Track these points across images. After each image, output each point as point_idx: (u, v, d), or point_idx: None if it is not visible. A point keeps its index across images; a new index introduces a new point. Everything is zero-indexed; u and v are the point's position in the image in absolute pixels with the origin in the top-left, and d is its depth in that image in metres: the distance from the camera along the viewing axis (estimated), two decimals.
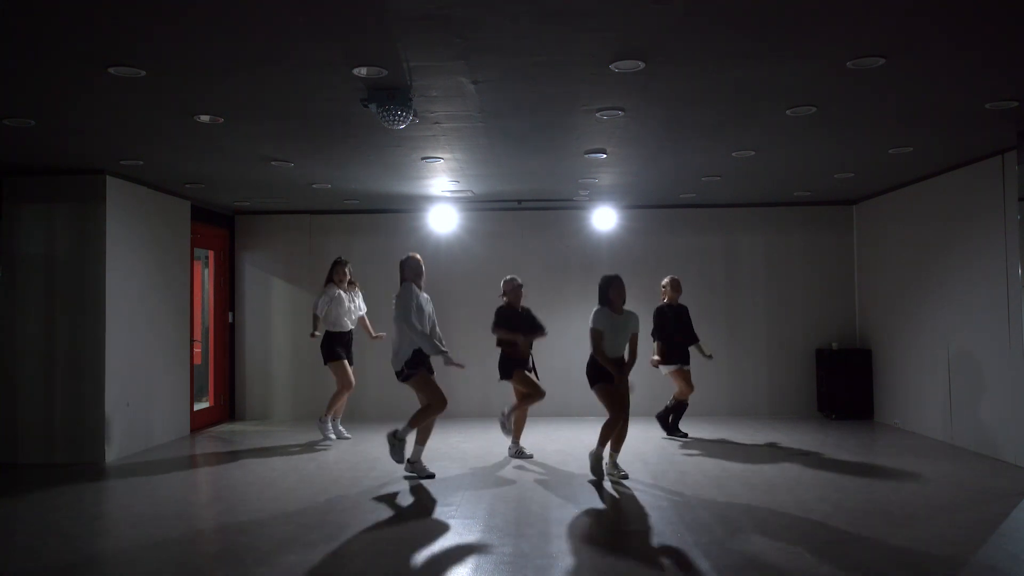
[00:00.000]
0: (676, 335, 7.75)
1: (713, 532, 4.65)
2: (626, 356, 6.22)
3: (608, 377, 6.06)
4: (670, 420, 8.01)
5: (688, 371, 7.80)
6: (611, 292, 6.14)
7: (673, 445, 7.60)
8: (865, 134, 6.07)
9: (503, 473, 6.44)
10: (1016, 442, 6.51)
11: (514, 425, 7.08)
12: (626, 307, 6.24)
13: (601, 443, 6.14)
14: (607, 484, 5.95)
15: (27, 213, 7.22)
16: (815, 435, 8.12)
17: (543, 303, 9.64)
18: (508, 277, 7.23)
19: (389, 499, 5.57)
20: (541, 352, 9.49)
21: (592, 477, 6.11)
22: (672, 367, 7.74)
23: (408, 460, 6.06)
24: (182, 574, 4.10)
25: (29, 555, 4.44)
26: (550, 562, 4.15)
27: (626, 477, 6.10)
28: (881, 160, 7.04)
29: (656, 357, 7.72)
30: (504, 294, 7.19)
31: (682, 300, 9.57)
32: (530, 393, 6.94)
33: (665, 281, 8.03)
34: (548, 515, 5.09)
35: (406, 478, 6.10)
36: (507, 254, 9.76)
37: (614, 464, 6.19)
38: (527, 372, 6.99)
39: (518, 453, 7.09)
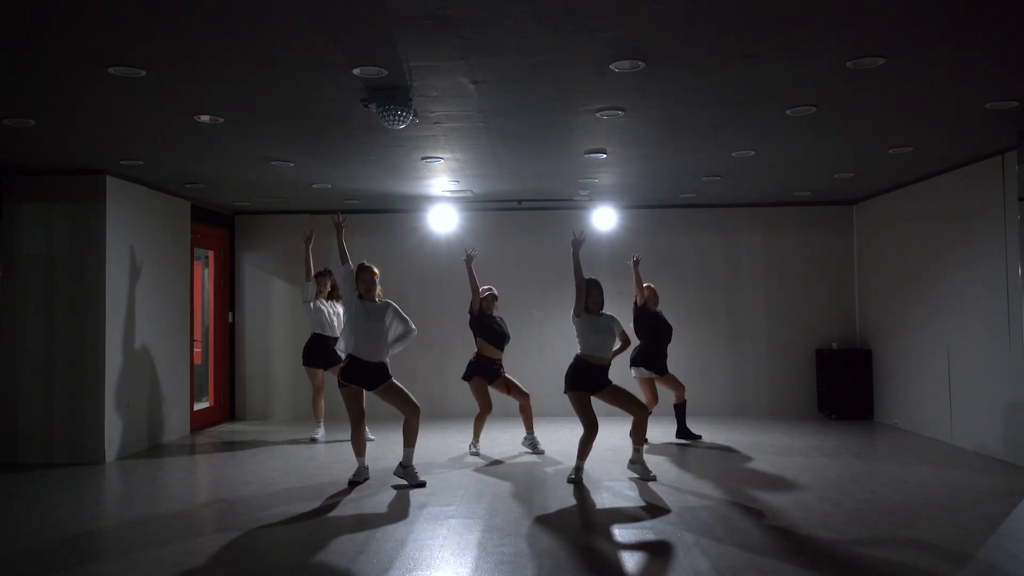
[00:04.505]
0: (662, 343, 7.62)
1: (713, 532, 4.65)
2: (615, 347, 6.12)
3: (581, 385, 5.94)
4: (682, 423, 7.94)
5: (653, 380, 7.64)
6: (589, 300, 6.03)
7: (671, 446, 7.60)
8: (865, 134, 6.07)
9: (503, 473, 6.44)
10: (1016, 442, 6.51)
11: (524, 418, 7.33)
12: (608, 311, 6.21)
13: (580, 457, 6.04)
14: (608, 484, 5.95)
15: (27, 213, 7.22)
16: (815, 435, 8.12)
17: (542, 303, 9.68)
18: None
19: (389, 500, 5.57)
20: (538, 352, 9.53)
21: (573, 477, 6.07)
22: (650, 374, 7.57)
23: (401, 464, 6.00)
24: (181, 574, 4.10)
25: (29, 555, 4.44)
26: (550, 562, 4.14)
27: (654, 479, 6.04)
28: (881, 160, 7.04)
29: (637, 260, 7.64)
30: None
31: (683, 300, 9.58)
32: (480, 405, 7.22)
33: (650, 285, 7.76)
34: (548, 515, 5.08)
35: (396, 487, 5.88)
36: (507, 254, 9.76)
37: (642, 463, 6.13)
38: (485, 380, 7.12)
39: (531, 444, 7.30)
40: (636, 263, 7.61)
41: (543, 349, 9.58)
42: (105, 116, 5.31)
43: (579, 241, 6.14)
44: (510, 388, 7.17)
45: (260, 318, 9.97)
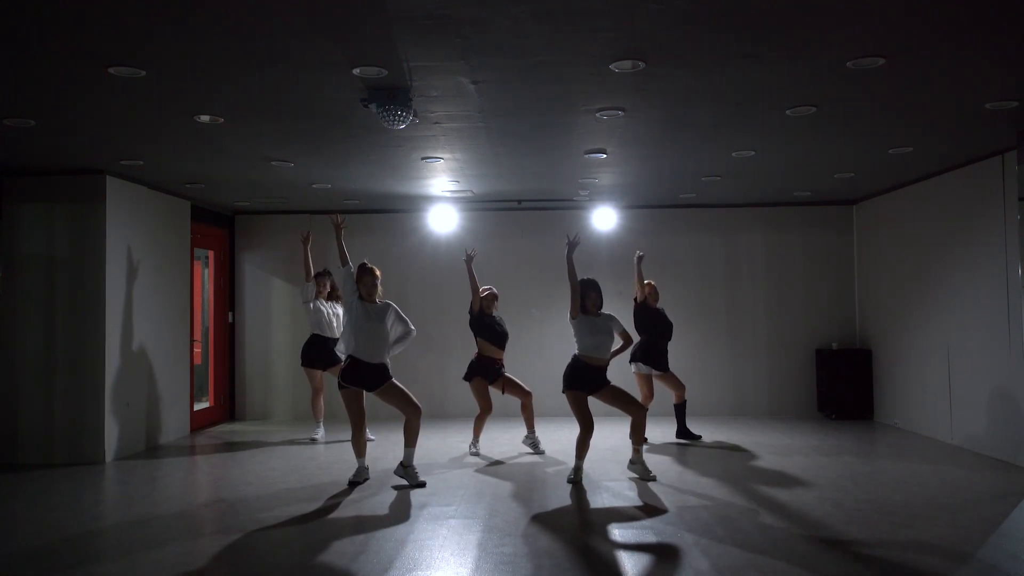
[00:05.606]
0: (662, 340, 7.62)
1: (713, 532, 4.65)
2: (614, 347, 6.14)
3: (578, 385, 5.96)
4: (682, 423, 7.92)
5: (651, 377, 7.63)
6: (587, 302, 6.04)
7: (671, 446, 7.60)
8: (865, 134, 6.07)
9: (503, 473, 6.44)
10: (1016, 442, 6.51)
11: (525, 416, 7.33)
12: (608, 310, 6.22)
13: (578, 457, 6.03)
14: (608, 484, 5.95)
15: (27, 213, 7.22)
16: (815, 435, 8.11)
17: (542, 303, 9.67)
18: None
19: (389, 500, 5.57)
20: (538, 353, 9.53)
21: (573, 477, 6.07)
22: (649, 370, 7.57)
23: (401, 464, 6.00)
24: (181, 575, 4.10)
25: (29, 555, 4.44)
26: (550, 562, 4.14)
27: (654, 479, 6.04)
28: (881, 160, 7.04)
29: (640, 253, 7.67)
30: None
31: (683, 300, 9.56)
32: (480, 405, 7.21)
33: (651, 282, 7.78)
34: (548, 515, 5.09)
35: (396, 487, 5.89)
36: (507, 254, 9.76)
37: (642, 463, 6.14)
38: (486, 380, 7.11)
39: (532, 444, 7.30)
40: (639, 260, 7.63)
41: (543, 349, 9.58)
42: (105, 116, 5.31)
43: (573, 243, 6.14)
44: (511, 387, 7.17)
45: (260, 318, 9.97)
